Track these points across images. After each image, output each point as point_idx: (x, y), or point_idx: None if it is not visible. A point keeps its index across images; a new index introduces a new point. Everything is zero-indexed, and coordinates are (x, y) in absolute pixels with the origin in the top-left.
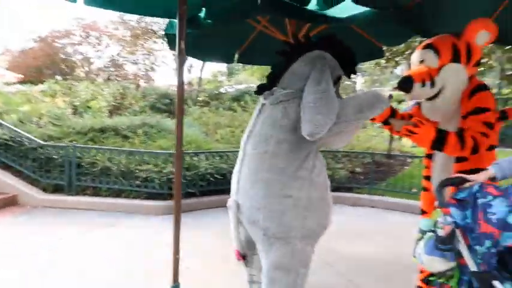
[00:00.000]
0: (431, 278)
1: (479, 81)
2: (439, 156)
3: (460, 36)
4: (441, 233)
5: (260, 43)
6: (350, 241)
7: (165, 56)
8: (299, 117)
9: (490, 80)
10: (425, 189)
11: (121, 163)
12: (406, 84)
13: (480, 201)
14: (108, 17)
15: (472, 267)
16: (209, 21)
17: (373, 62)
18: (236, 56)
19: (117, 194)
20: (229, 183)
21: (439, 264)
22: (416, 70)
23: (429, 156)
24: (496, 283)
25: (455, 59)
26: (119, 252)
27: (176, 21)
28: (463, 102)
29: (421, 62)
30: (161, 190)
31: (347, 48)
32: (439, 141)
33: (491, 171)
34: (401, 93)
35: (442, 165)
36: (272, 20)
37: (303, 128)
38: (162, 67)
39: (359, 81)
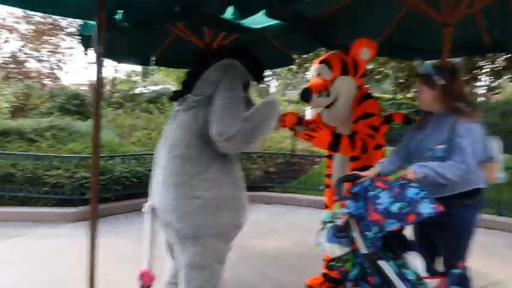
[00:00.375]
0: (331, 263)
1: (366, 90)
2: (337, 156)
3: (348, 53)
4: (339, 222)
5: (177, 47)
6: (264, 237)
7: (74, 54)
8: (207, 122)
9: (386, 86)
10: (328, 185)
11: (27, 169)
12: (305, 95)
13: (370, 193)
14: (8, 9)
15: (363, 250)
16: (126, 24)
17: (286, 67)
18: (153, 58)
19: (23, 202)
20: (146, 186)
21: (337, 250)
22: (313, 82)
23: (330, 157)
24: (380, 262)
25: (345, 72)
26: (25, 264)
27: (91, 22)
28: (354, 108)
29: (318, 75)
30: (73, 196)
31: (256, 57)
32: (334, 144)
33: (377, 168)
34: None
35: (340, 164)
36: (189, 25)
37: (211, 129)
38: (70, 65)
39: (273, 84)
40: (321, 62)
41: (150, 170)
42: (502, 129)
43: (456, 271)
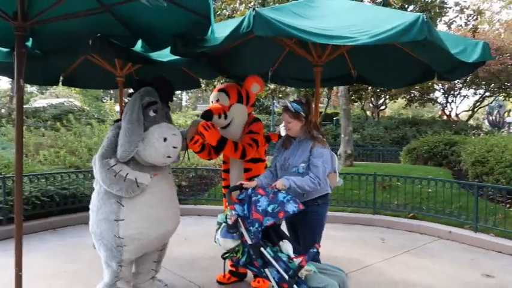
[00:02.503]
0: (226, 255)
1: (253, 116)
2: (234, 169)
3: (242, 85)
4: (230, 222)
5: (86, 69)
6: (180, 245)
7: None
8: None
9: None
10: (225, 195)
11: None
12: (207, 115)
13: (253, 199)
14: None
15: (249, 241)
16: (37, 51)
17: None
18: (61, 78)
19: None
20: (57, 204)
21: (230, 244)
22: (214, 106)
23: (226, 171)
24: (262, 249)
25: (240, 100)
26: None
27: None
28: (244, 129)
29: (217, 100)
30: None
31: (165, 82)
32: (221, 142)
33: (255, 182)
34: None
35: (237, 176)
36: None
37: (117, 152)
38: None
39: (184, 98)
40: (221, 91)
41: (62, 189)
42: (385, 140)
43: (313, 250)
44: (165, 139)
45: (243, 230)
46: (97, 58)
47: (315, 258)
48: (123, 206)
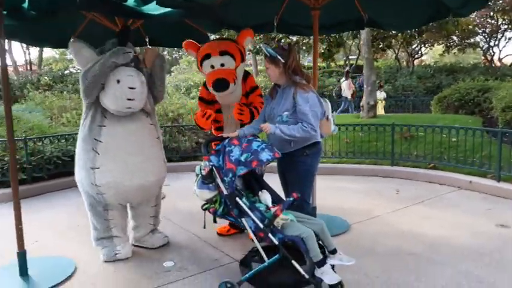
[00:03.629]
0: (205, 206)
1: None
2: (228, 128)
3: (237, 42)
4: (204, 173)
5: (93, 29)
6: (183, 199)
7: None
8: None
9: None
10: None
11: None
12: (224, 85)
13: (227, 149)
14: None
15: (224, 191)
16: (33, 12)
17: None
18: (72, 40)
19: None
20: None
21: (207, 194)
22: (225, 72)
23: (220, 129)
24: (237, 199)
25: (242, 60)
26: None
27: None
28: (243, 87)
29: (222, 65)
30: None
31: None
32: (252, 117)
33: (237, 132)
34: None
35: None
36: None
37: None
38: None
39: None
40: (224, 54)
41: None
42: (418, 90)
43: (289, 199)
44: (118, 81)
45: (218, 180)
46: (98, 17)
47: (307, 209)
48: (98, 153)
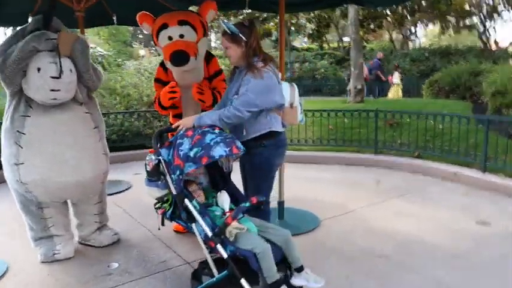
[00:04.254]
0: (157, 205)
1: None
2: (189, 114)
3: (200, 14)
4: (148, 168)
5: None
6: None
7: None
8: None
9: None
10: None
11: None
12: (182, 58)
13: (178, 141)
14: None
15: (173, 191)
16: None
17: None
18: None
19: None
20: None
21: (156, 193)
22: (183, 44)
23: (178, 116)
24: (186, 201)
25: (205, 34)
26: None
27: None
28: (205, 69)
29: (181, 36)
30: None
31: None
32: (215, 100)
33: (192, 120)
34: None
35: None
36: None
37: None
38: None
39: None
40: (183, 23)
41: None
42: (411, 73)
43: (244, 205)
44: (38, 69)
45: (168, 177)
46: None
47: (265, 208)
48: (21, 147)
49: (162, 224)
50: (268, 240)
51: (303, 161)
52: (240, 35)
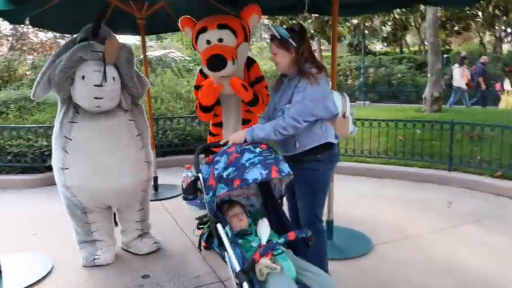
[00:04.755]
0: (199, 226)
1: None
2: (230, 122)
3: (242, 19)
4: (184, 185)
5: (118, 15)
6: None
7: None
8: None
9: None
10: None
11: None
12: (219, 63)
13: (216, 158)
14: None
15: (209, 213)
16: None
17: None
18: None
19: None
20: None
21: (195, 212)
22: (221, 49)
23: (219, 125)
24: (218, 226)
25: (246, 38)
26: None
27: None
28: (245, 75)
29: (220, 40)
30: (35, 164)
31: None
32: (255, 99)
33: (243, 135)
34: None
35: (234, 130)
36: None
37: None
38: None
39: None
40: (222, 27)
41: None
42: (503, 79)
43: (278, 241)
44: (83, 77)
45: (204, 197)
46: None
47: (318, 227)
48: (67, 153)
49: (199, 247)
50: (305, 286)
51: (366, 174)
52: (290, 40)
